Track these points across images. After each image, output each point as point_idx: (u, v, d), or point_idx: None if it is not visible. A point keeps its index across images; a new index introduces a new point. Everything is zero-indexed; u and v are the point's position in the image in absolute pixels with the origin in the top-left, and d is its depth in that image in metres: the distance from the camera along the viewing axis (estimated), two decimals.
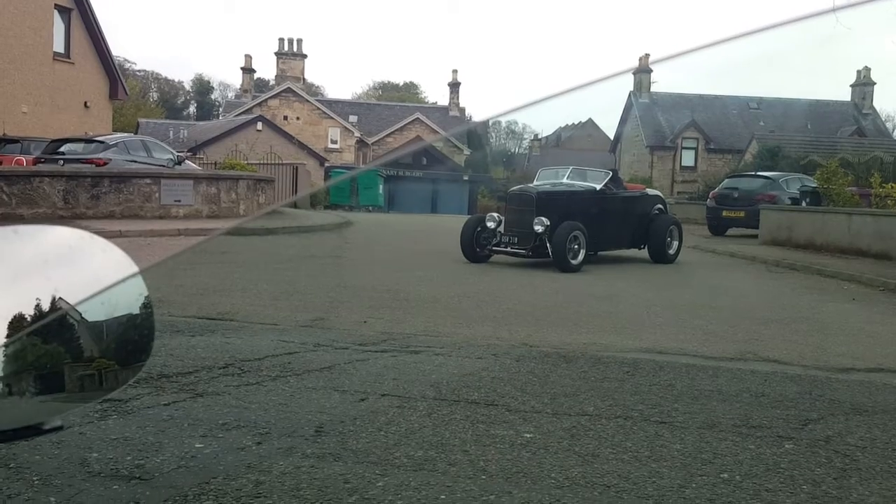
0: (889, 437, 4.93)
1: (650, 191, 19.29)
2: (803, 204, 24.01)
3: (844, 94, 52.14)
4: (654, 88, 49.98)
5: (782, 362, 7.22)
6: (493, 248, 14.78)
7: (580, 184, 16.16)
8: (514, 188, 16.76)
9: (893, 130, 56.50)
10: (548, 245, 14.08)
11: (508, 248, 14.65)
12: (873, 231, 17.74)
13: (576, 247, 14.13)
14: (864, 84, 51.25)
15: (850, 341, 8.64)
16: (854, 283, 13.76)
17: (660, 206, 17.68)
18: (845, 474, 4.23)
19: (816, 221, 20.39)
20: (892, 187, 20.76)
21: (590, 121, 76.04)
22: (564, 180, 16.25)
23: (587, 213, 14.87)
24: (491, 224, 14.78)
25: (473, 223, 15.05)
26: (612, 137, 56.29)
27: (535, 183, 16.64)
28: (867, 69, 51.38)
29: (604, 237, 15.54)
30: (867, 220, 18.61)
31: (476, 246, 14.73)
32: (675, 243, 16.94)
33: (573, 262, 14.07)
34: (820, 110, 49.35)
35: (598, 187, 16.00)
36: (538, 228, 14.07)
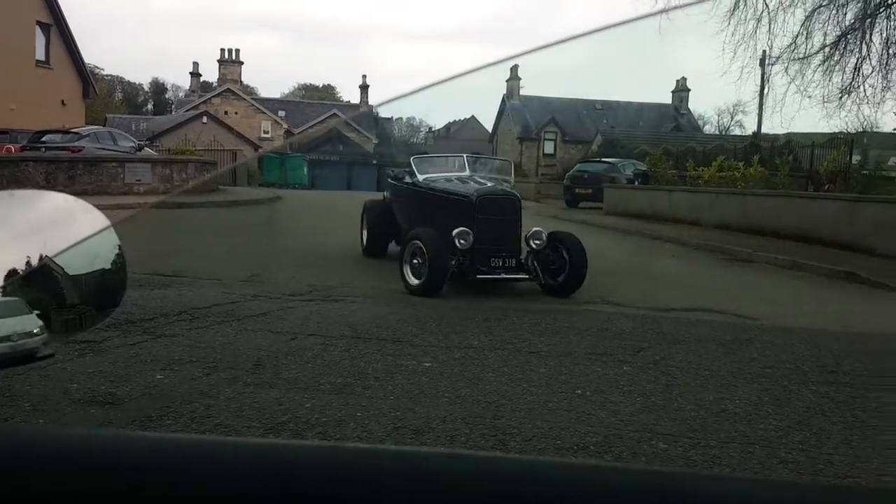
0: (700, 360, 5.10)
1: None
2: (636, 183, 24.53)
3: (666, 98, 53.17)
4: (522, 93, 50.20)
5: (621, 304, 7.41)
6: (480, 273, 7.80)
7: (494, 176, 9.56)
8: (484, 188, 8.38)
9: (703, 126, 57.83)
10: (536, 265, 7.97)
11: (503, 275, 7.95)
12: (688, 204, 18.24)
13: None
14: (681, 91, 52.26)
15: (671, 287, 8.91)
16: (674, 244, 14.11)
17: None
18: (669, 389, 4.37)
19: (646, 196, 20.87)
20: (702, 170, 21.29)
21: (472, 117, 76.02)
22: (476, 175, 9.42)
23: None
24: (464, 241, 7.65)
25: (438, 240, 7.71)
26: (490, 131, 56.31)
27: (424, 176, 9.21)
28: (684, 79, 52.34)
29: None
30: (683, 195, 19.13)
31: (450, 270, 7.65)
32: None
33: None
34: (648, 111, 50.22)
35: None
36: (536, 243, 7.95)
